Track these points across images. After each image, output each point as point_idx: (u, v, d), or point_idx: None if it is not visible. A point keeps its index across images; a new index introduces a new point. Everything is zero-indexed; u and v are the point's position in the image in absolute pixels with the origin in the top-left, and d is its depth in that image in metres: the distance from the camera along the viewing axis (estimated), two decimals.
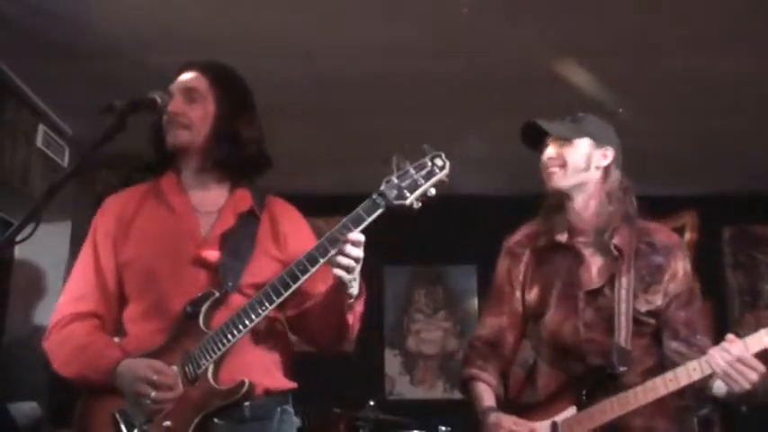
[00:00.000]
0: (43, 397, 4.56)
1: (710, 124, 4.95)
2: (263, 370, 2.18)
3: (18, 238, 1.82)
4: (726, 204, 6.19)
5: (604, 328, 2.47)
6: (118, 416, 2.08)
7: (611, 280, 2.50)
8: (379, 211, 2.04)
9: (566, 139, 2.54)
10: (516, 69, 4.29)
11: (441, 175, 2.06)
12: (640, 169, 5.91)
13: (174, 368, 2.08)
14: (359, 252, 2.02)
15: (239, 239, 2.22)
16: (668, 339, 2.49)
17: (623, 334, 2.43)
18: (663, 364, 2.46)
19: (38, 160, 4.78)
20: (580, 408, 2.44)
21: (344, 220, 2.03)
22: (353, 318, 2.18)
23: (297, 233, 2.33)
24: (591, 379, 2.46)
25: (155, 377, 2.03)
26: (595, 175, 2.55)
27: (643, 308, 2.48)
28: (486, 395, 2.58)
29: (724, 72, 4.28)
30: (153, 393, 2.03)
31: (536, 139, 2.60)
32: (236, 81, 2.36)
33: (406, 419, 4.54)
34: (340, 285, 2.07)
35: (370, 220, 2.03)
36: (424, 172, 2.05)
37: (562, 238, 2.56)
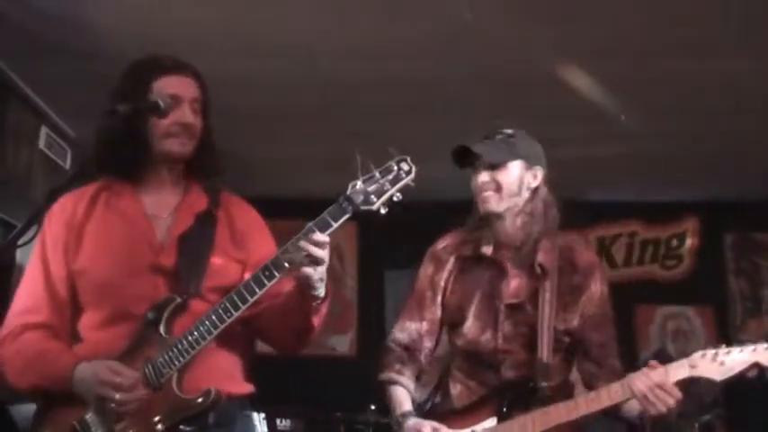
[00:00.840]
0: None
1: (714, 129, 4.94)
2: (226, 375, 2.15)
3: (20, 241, 1.80)
4: (728, 211, 6.20)
5: (521, 343, 2.50)
6: (77, 426, 2.04)
7: (532, 296, 2.52)
8: (346, 216, 2.01)
9: (499, 163, 2.54)
10: (517, 72, 4.28)
11: (406, 180, 2.03)
12: (642, 175, 5.96)
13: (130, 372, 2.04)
14: (323, 253, 1.98)
15: (197, 241, 2.17)
16: (582, 360, 2.54)
17: (545, 350, 2.46)
18: (570, 381, 2.55)
19: (40, 162, 4.78)
20: (500, 419, 2.44)
21: (310, 224, 2.00)
22: (318, 319, 2.15)
23: (254, 231, 2.29)
24: (512, 391, 2.47)
25: (116, 379, 1.99)
26: (525, 195, 2.57)
27: (560, 326, 2.50)
28: (404, 399, 2.55)
29: (727, 75, 4.28)
30: (117, 396, 1.98)
31: (466, 159, 2.57)
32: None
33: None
34: (305, 287, 2.03)
35: (336, 225, 2.00)
36: (390, 177, 2.02)
37: (487, 251, 2.58)
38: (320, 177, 5.64)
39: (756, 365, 2.20)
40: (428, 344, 2.63)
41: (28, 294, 2.21)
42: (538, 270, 2.52)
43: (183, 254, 2.14)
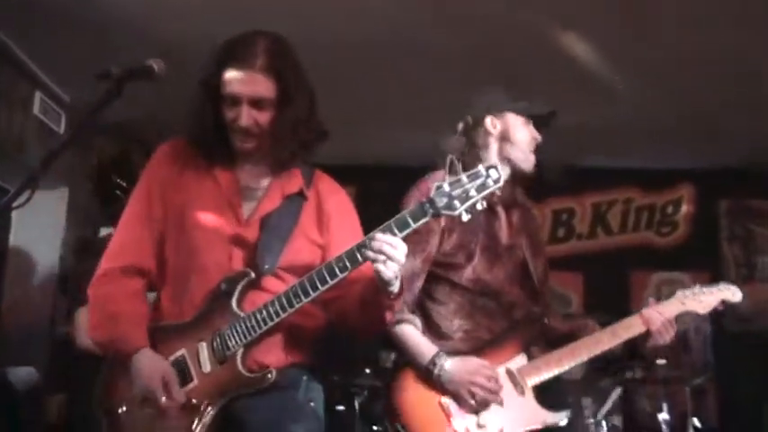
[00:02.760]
0: (41, 363, 4.59)
1: (710, 97, 4.93)
2: (291, 347, 2.18)
3: (15, 204, 1.81)
4: (723, 178, 6.20)
5: (520, 280, 2.68)
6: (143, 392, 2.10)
7: (518, 235, 2.70)
8: (426, 219, 1.99)
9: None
10: (512, 37, 4.26)
11: (493, 188, 1.98)
12: (639, 141, 5.95)
13: (203, 345, 2.10)
14: (396, 253, 1.97)
15: (281, 221, 2.19)
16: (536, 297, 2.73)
17: (538, 283, 2.70)
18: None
19: (34, 127, 4.76)
20: (529, 356, 2.56)
21: (390, 221, 2.00)
22: (390, 314, 2.18)
23: (341, 217, 2.28)
24: (528, 327, 2.62)
25: (156, 387, 2.05)
26: None
27: (539, 271, 2.73)
28: (423, 338, 2.55)
29: (726, 44, 4.26)
30: (162, 399, 2.05)
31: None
32: (294, 66, 2.20)
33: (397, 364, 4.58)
34: (380, 284, 2.03)
35: (415, 226, 1.99)
36: (477, 183, 1.97)
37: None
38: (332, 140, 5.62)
39: (723, 301, 2.67)
40: (417, 283, 2.61)
41: (126, 233, 2.24)
42: (527, 205, 2.77)
43: (264, 231, 2.16)
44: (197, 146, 2.23)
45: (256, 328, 2.06)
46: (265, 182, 2.25)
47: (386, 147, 5.75)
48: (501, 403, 2.47)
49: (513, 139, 2.68)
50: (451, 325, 2.61)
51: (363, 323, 2.20)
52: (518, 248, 2.69)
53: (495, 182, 1.97)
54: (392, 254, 1.97)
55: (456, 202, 1.96)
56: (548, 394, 2.53)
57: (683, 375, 4.62)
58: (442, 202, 1.97)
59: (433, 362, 2.47)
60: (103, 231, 3.66)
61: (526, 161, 2.69)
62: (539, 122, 2.72)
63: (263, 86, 2.11)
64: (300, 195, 2.24)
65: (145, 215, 2.22)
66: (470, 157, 2.63)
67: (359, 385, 4.45)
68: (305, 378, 2.22)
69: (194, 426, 2.06)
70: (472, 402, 2.44)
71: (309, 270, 2.10)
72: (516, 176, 2.71)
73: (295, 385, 2.19)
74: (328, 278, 2.03)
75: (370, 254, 1.98)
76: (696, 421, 4.65)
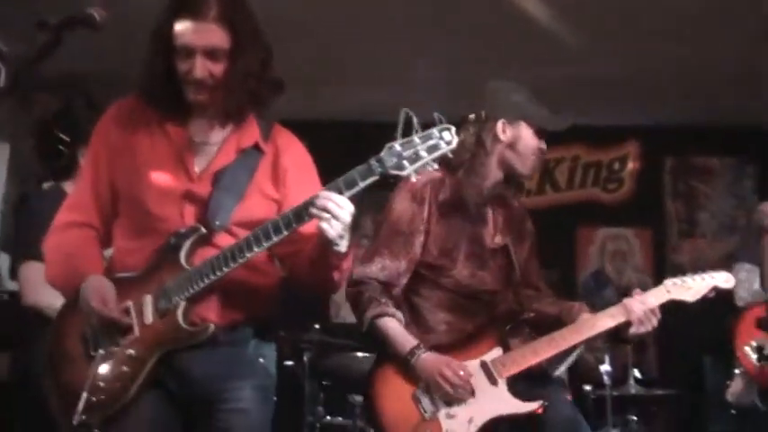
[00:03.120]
0: None
1: (656, 54, 4.99)
2: (242, 305, 2.16)
3: None
4: (669, 135, 6.31)
5: (505, 279, 2.74)
6: (87, 334, 2.11)
7: (505, 234, 2.75)
8: (374, 179, 1.97)
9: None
10: None
11: (445, 150, 1.96)
12: (586, 98, 6.00)
13: (148, 297, 2.09)
14: (341, 212, 1.96)
15: (235, 175, 2.16)
16: (520, 286, 2.81)
17: (522, 282, 2.77)
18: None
19: None
20: (506, 348, 2.60)
21: (338, 180, 1.98)
22: (339, 275, 2.17)
23: (298, 172, 2.25)
24: (507, 322, 2.65)
25: (97, 306, 2.05)
26: None
27: (521, 256, 2.79)
28: (405, 332, 2.61)
29: (671, 1, 4.30)
30: (94, 320, 2.06)
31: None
32: (248, 17, 2.17)
33: (351, 342, 4.62)
34: (324, 242, 2.02)
35: (363, 185, 1.97)
36: (428, 144, 1.95)
37: (471, 200, 2.70)
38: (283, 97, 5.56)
39: (714, 288, 2.65)
40: (402, 281, 2.68)
41: (77, 192, 2.30)
42: (516, 205, 2.81)
43: (217, 187, 2.14)
44: (148, 100, 2.19)
45: (199, 281, 2.05)
46: (220, 136, 2.22)
47: (340, 103, 5.72)
48: (472, 394, 2.52)
49: (519, 149, 2.69)
50: (436, 318, 2.67)
51: (312, 281, 2.20)
52: (504, 248, 2.74)
53: (448, 144, 1.96)
54: (337, 212, 1.96)
55: (405, 162, 1.95)
56: (525, 385, 2.58)
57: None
58: (391, 161, 1.95)
59: (411, 352, 2.54)
60: (46, 185, 3.57)
61: (525, 167, 2.71)
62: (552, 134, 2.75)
63: (216, 37, 2.09)
64: (257, 149, 2.21)
65: (91, 179, 2.23)
66: (475, 154, 2.68)
67: (308, 341, 4.46)
68: (257, 335, 2.22)
69: (136, 376, 2.06)
70: (442, 393, 2.52)
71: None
72: (511, 178, 2.73)
73: (244, 342, 2.19)
74: (273, 235, 2.02)
75: (314, 211, 1.97)
76: (637, 372, 4.79)
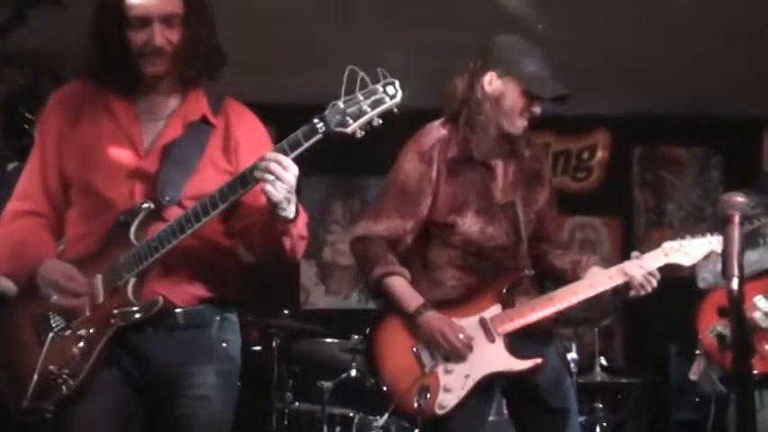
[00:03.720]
0: None
1: (626, 44, 5.02)
2: (201, 283, 2.13)
3: None
4: (637, 125, 6.36)
5: (514, 236, 2.72)
6: (40, 318, 2.09)
7: (515, 188, 2.73)
8: (318, 137, 1.96)
9: None
10: None
11: (390, 104, 1.94)
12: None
13: (98, 277, 2.06)
14: (285, 174, 1.94)
15: (185, 149, 2.13)
16: (536, 240, 2.80)
17: (525, 237, 2.74)
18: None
19: None
20: (505, 305, 2.64)
21: (282, 142, 1.96)
22: (291, 241, 2.12)
23: (250, 143, 2.21)
24: (509, 279, 2.67)
25: (63, 282, 2.03)
26: None
27: (532, 209, 2.76)
28: (412, 290, 2.64)
29: None
30: (54, 297, 2.03)
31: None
32: None
33: (320, 328, 4.62)
34: (270, 206, 2.00)
35: (307, 144, 1.96)
36: (372, 99, 1.94)
37: (479, 155, 2.69)
38: (243, 81, 5.52)
39: (712, 252, 2.70)
40: (408, 239, 2.70)
41: (25, 181, 2.23)
42: (525, 163, 2.73)
43: (166, 162, 2.11)
44: (97, 78, 2.17)
45: (148, 255, 2.02)
46: (167, 111, 2.19)
47: (305, 85, 5.68)
48: (470, 351, 2.57)
49: (503, 105, 2.64)
50: (445, 274, 2.69)
51: (263, 249, 2.18)
52: (514, 203, 2.72)
53: (392, 98, 1.95)
54: (280, 173, 1.93)
55: (349, 119, 1.94)
56: (523, 343, 2.61)
57: (592, 317, 4.79)
58: (334, 119, 1.94)
59: (418, 311, 2.59)
60: (10, 166, 3.52)
61: (510, 125, 2.66)
62: (545, 102, 2.71)
63: (172, 3, 2.09)
64: (206, 123, 2.18)
65: (39, 167, 2.19)
66: (468, 105, 2.66)
67: (276, 326, 4.46)
68: (218, 318, 2.17)
69: (87, 357, 2.03)
70: (442, 351, 2.57)
71: None
72: (503, 134, 2.69)
73: (206, 325, 2.15)
74: (220, 202, 2.00)
75: (258, 173, 1.95)
76: (603, 360, 4.85)
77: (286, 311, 4.54)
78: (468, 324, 2.61)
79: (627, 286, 2.65)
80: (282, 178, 1.94)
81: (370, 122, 1.96)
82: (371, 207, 2.78)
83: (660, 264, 2.67)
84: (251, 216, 2.11)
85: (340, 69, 1.98)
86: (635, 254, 2.69)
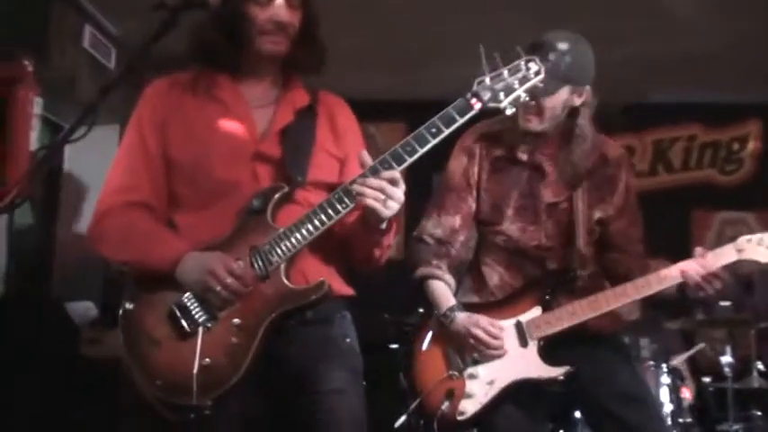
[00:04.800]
0: (98, 298, 4.73)
1: None
2: (328, 273, 2.13)
3: (72, 137, 1.80)
4: None
5: (561, 238, 2.61)
6: (177, 310, 2.01)
7: (570, 192, 2.62)
8: (472, 113, 1.97)
9: (546, 93, 2.47)
10: None
11: (535, 81, 1.99)
12: (704, 75, 5.78)
13: (241, 263, 2.00)
14: (399, 193, 1.95)
15: (300, 135, 2.15)
16: (605, 249, 2.67)
17: (582, 241, 2.59)
18: (600, 273, 2.68)
19: (85, 63, 4.80)
20: (545, 308, 2.55)
21: (434, 119, 1.96)
22: (380, 251, 2.14)
23: (352, 130, 2.27)
24: (552, 281, 2.59)
25: (221, 272, 1.95)
26: (565, 112, 2.59)
27: (596, 216, 2.62)
28: (447, 293, 2.62)
29: None
30: (228, 280, 1.95)
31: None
32: None
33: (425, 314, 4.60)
34: (369, 218, 2.00)
35: (462, 121, 1.96)
36: (519, 75, 1.98)
37: (523, 156, 2.64)
38: (370, 78, 5.60)
39: None
40: (461, 237, 2.69)
41: (126, 171, 2.17)
42: (583, 175, 2.60)
43: (286, 145, 2.12)
44: (205, 59, 2.17)
45: (301, 240, 2.00)
46: (270, 98, 2.21)
47: (436, 81, 5.69)
48: (501, 352, 2.51)
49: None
50: (491, 275, 2.67)
51: (356, 257, 2.18)
52: (565, 203, 2.62)
53: (536, 74, 1.99)
54: (392, 192, 1.94)
55: (501, 95, 1.96)
56: (566, 349, 2.51)
57: (748, 318, 4.57)
58: (486, 95, 1.96)
59: (445, 314, 2.56)
60: None
61: (521, 122, 2.56)
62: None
63: None
64: (311, 109, 2.21)
65: (142, 159, 2.15)
66: None
67: (412, 324, 4.47)
68: (339, 314, 2.18)
69: (247, 349, 1.98)
70: (472, 352, 2.52)
71: (332, 184, 2.09)
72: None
73: (331, 320, 2.15)
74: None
75: (369, 191, 1.94)
76: (760, 365, 4.61)
77: (421, 309, 4.55)
78: (503, 326, 2.53)
79: (686, 286, 2.46)
80: (394, 197, 1.95)
81: (518, 99, 1.97)
82: (427, 206, 2.76)
83: (731, 260, 2.44)
84: (348, 223, 2.11)
85: (472, 64, 1.99)
86: (698, 250, 2.48)
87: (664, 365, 4.23)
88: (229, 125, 2.14)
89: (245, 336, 1.99)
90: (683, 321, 4.62)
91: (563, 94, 2.53)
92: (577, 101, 2.58)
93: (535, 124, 2.55)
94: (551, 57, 2.46)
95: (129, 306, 2.07)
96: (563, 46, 2.50)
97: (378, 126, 5.83)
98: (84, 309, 4.48)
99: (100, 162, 4.99)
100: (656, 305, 2.52)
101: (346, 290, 2.21)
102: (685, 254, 2.53)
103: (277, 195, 2.06)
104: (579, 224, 2.60)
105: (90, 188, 5.02)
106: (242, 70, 2.19)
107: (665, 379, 4.17)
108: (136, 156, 2.16)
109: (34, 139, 3.90)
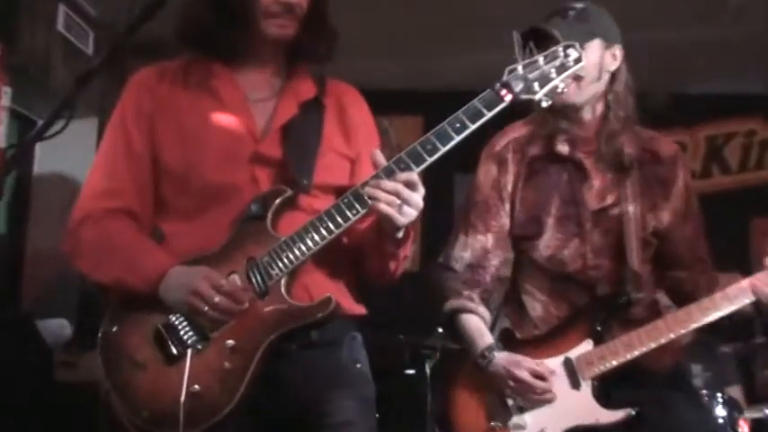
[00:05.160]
0: (72, 315, 4.70)
1: None
2: (336, 289, 2.11)
3: (48, 133, 1.79)
4: None
5: (611, 253, 2.52)
6: (163, 331, 2.00)
7: (618, 196, 2.53)
8: (502, 106, 1.96)
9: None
10: None
11: (575, 69, 1.99)
12: (763, 62, 5.75)
13: (235, 277, 2.00)
14: (417, 197, 1.94)
15: (304, 131, 2.13)
16: (667, 266, 2.59)
17: (635, 256, 2.50)
18: (657, 299, 2.59)
19: (59, 46, 4.81)
20: (596, 341, 2.46)
21: (458, 113, 1.96)
22: (396, 264, 2.14)
23: (366, 125, 2.26)
24: (603, 309, 2.50)
25: (207, 290, 1.93)
26: (605, 79, 2.54)
27: (650, 225, 2.53)
28: (482, 329, 2.55)
29: None
30: (204, 308, 1.93)
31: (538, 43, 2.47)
32: None
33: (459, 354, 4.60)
34: (383, 226, 2.00)
35: (490, 115, 1.96)
36: (556, 63, 1.98)
37: (563, 149, 2.57)
38: (385, 66, 5.60)
39: None
40: (494, 261, 2.61)
41: (107, 173, 2.16)
42: (627, 162, 2.52)
43: (288, 144, 2.10)
44: (198, 44, 2.16)
45: (305, 250, 1.99)
46: (272, 90, 2.20)
47: (457, 70, 5.69)
48: (550, 396, 2.44)
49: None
50: (533, 303, 2.60)
51: (366, 272, 2.19)
52: (615, 209, 2.54)
53: (576, 62, 1.97)
54: (409, 196, 1.93)
55: (535, 85, 1.96)
56: (615, 387, 2.45)
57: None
58: (518, 85, 1.95)
59: (482, 354, 2.50)
60: None
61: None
62: None
63: None
64: (317, 102, 2.19)
65: (125, 158, 2.14)
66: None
67: (430, 346, 4.47)
68: (349, 335, 2.17)
69: (243, 373, 1.95)
70: (515, 399, 2.46)
71: (341, 188, 2.07)
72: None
73: (339, 341, 2.13)
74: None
75: (383, 196, 1.93)
76: None
77: (440, 329, 4.54)
78: (550, 366, 2.46)
79: (760, 304, 2.39)
80: (411, 202, 1.94)
81: (555, 90, 1.97)
82: (454, 226, 2.70)
83: None
84: (360, 233, 2.11)
85: (501, 50, 1.99)
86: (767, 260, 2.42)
87: (719, 395, 4.20)
88: (225, 122, 2.12)
89: (241, 359, 1.97)
90: (739, 345, 4.59)
91: (595, 49, 2.49)
92: (612, 64, 2.53)
93: (572, 93, 2.42)
94: (570, 13, 2.47)
95: (109, 325, 2.07)
96: (579, 4, 2.51)
97: (391, 119, 5.84)
98: (58, 327, 4.48)
99: (75, 161, 5.04)
100: (711, 327, 2.45)
101: (357, 308, 2.20)
102: (745, 266, 2.51)
103: (278, 200, 2.05)
104: (631, 235, 2.51)
105: (64, 191, 5.02)
106: (241, 58, 2.18)
107: (721, 411, 4.14)
108: (118, 155, 2.15)
109: (2, 133, 3.92)
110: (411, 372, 4.57)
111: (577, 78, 2.39)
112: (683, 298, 2.53)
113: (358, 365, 2.16)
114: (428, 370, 4.44)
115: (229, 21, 2.10)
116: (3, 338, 4.01)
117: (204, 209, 2.09)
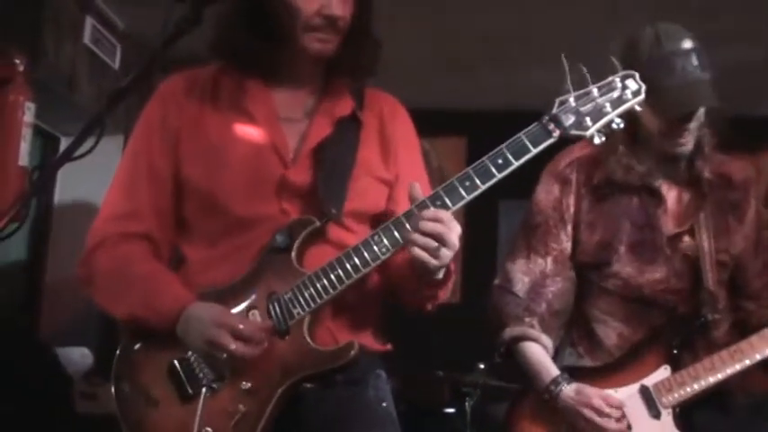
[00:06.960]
0: (94, 343, 4.76)
1: None
2: (359, 327, 2.10)
3: (77, 153, 1.82)
4: None
5: (689, 276, 2.53)
6: (178, 366, 2.00)
7: (693, 220, 2.55)
8: (550, 142, 1.92)
9: None
10: None
11: (633, 102, 1.93)
12: None
13: (255, 313, 1.99)
14: (453, 238, 1.90)
15: (338, 153, 2.09)
16: (737, 295, 2.60)
17: (710, 278, 2.50)
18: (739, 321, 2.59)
19: (85, 60, 4.85)
20: (674, 366, 2.46)
21: (502, 147, 1.92)
22: (432, 304, 2.13)
23: (407, 142, 2.22)
24: (680, 331, 2.50)
25: (236, 330, 1.92)
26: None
27: (723, 250, 2.55)
28: (547, 360, 2.55)
29: None
30: (232, 346, 1.90)
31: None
32: None
33: (522, 385, 4.57)
34: (420, 270, 1.96)
35: (536, 151, 1.92)
36: (612, 96, 1.93)
37: (634, 180, 2.56)
38: (427, 85, 5.61)
39: None
40: (552, 287, 2.62)
41: (126, 193, 2.15)
42: (705, 187, 2.55)
43: (319, 169, 2.07)
44: (231, 58, 2.15)
45: (329, 288, 1.96)
46: (305, 109, 2.18)
47: (500, 89, 5.71)
48: (627, 430, 2.42)
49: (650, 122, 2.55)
50: (606, 330, 2.60)
51: (403, 304, 2.17)
52: (690, 232, 2.56)
53: (635, 94, 1.93)
54: (446, 236, 1.89)
55: (587, 120, 1.91)
56: (697, 415, 2.45)
57: None
58: (568, 119, 1.92)
59: (548, 389, 2.50)
60: None
61: (674, 148, 2.55)
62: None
63: None
64: (354, 119, 2.16)
65: (146, 177, 2.13)
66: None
67: (470, 383, 4.46)
68: (373, 373, 2.15)
69: (259, 417, 1.94)
70: None
71: (377, 215, 2.07)
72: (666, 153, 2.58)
73: (363, 381, 2.11)
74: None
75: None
76: None
77: (481, 365, 4.53)
78: (626, 394, 2.46)
79: None
80: (449, 243, 1.91)
81: (610, 125, 1.93)
82: (511, 247, 2.71)
83: None
84: (395, 267, 2.08)
85: (545, 69, 1.97)
86: None
87: None
88: (254, 143, 2.10)
89: (256, 403, 1.96)
90: None
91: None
92: None
93: (689, 144, 2.51)
94: (702, 69, 2.44)
95: (124, 355, 2.08)
96: (687, 44, 2.48)
97: (432, 141, 5.83)
98: (79, 356, 4.50)
99: (100, 181, 5.07)
100: None
101: (380, 345, 2.18)
102: None
103: (305, 232, 2.03)
104: (706, 257, 2.52)
105: (87, 214, 5.05)
106: (278, 74, 2.16)
107: None
108: (139, 173, 2.14)
109: (25, 151, 3.92)
110: (450, 410, 4.55)
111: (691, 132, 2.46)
112: (750, 333, 2.53)
113: (384, 404, 2.14)
114: (468, 408, 4.42)
115: (267, 35, 2.09)
116: (22, 366, 4.02)
117: (229, 234, 2.08)
